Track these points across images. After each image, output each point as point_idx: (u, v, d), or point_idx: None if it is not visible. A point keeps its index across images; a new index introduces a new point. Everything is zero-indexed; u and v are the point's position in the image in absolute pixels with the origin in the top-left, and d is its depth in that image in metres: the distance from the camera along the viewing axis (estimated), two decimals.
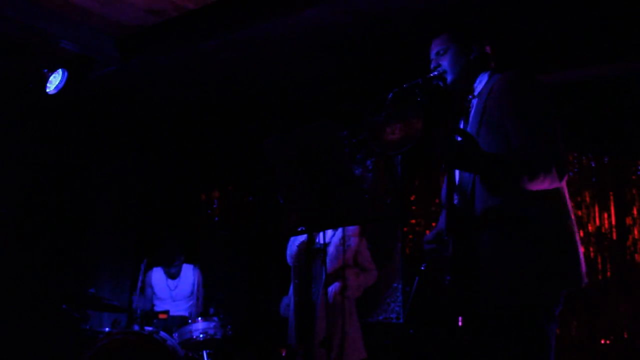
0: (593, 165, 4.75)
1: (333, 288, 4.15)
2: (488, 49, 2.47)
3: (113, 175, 6.84)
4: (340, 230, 4.21)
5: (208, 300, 5.76)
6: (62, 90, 5.06)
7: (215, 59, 5.05)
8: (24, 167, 5.96)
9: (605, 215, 4.65)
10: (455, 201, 2.35)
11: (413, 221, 5.43)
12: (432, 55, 2.49)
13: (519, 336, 2.12)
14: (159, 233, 6.61)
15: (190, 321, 5.03)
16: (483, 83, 2.39)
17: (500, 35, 4.07)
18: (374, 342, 4.57)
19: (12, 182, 5.85)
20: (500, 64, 2.49)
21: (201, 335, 4.92)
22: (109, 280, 6.55)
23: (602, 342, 4.48)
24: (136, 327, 4.72)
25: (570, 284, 2.15)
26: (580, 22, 4.27)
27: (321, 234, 4.05)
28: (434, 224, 5.36)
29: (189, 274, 5.80)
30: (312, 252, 4.12)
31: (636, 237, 4.54)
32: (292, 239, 4.43)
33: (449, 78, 2.42)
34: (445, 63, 2.43)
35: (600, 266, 4.58)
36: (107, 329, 4.78)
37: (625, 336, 4.44)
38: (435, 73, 2.44)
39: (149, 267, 5.85)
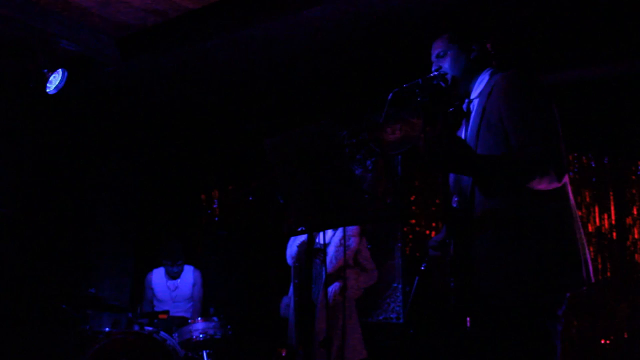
0: (593, 165, 4.75)
1: (333, 288, 4.15)
2: (489, 47, 2.47)
3: (113, 175, 6.84)
4: (340, 230, 4.21)
5: (208, 300, 5.77)
6: (62, 90, 5.06)
7: (215, 59, 5.05)
8: (24, 167, 5.96)
9: (605, 215, 4.65)
10: (455, 203, 2.34)
11: (413, 221, 5.42)
12: (433, 57, 2.50)
13: (521, 337, 2.11)
14: (159, 233, 6.62)
15: (190, 321, 5.04)
16: (484, 83, 2.38)
17: (500, 35, 4.08)
18: (374, 342, 4.57)
19: (12, 182, 5.85)
20: (501, 63, 2.49)
21: (201, 335, 4.92)
22: (109, 280, 6.55)
23: (602, 342, 4.48)
24: (136, 327, 4.73)
25: (571, 285, 2.14)
26: (580, 22, 4.27)
27: (321, 234, 4.05)
28: (434, 224, 5.36)
29: (189, 275, 5.80)
30: (312, 252, 4.13)
31: (636, 237, 4.54)
32: (292, 239, 4.43)
33: (449, 78, 2.42)
34: (445, 65, 2.44)
35: (600, 266, 4.58)
36: (107, 329, 4.78)
37: (625, 336, 4.44)
38: (436, 73, 2.44)
39: (149, 269, 5.86)
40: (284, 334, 4.39)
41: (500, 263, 2.15)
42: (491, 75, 2.39)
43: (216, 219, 6.85)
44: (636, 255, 4.52)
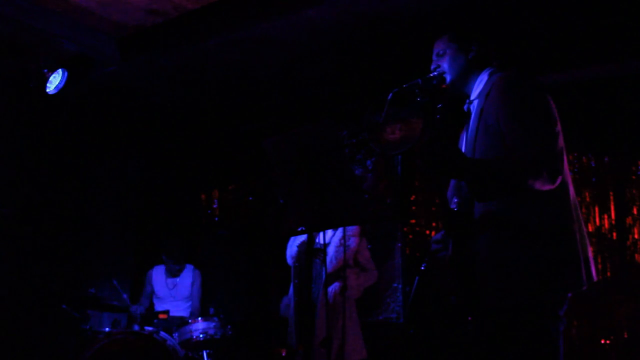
0: (593, 165, 4.75)
1: (333, 288, 4.15)
2: (489, 47, 2.47)
3: (113, 175, 6.84)
4: (340, 230, 4.21)
5: (208, 300, 5.77)
6: (62, 90, 5.07)
7: (215, 59, 5.05)
8: (24, 167, 5.96)
9: (605, 215, 4.65)
10: (454, 205, 2.34)
11: (413, 221, 5.42)
12: (434, 57, 2.50)
13: (522, 338, 2.11)
14: (159, 233, 6.62)
15: (190, 321, 5.04)
16: (483, 83, 2.38)
17: (500, 35, 4.09)
18: (374, 342, 4.57)
19: (12, 182, 5.85)
20: (501, 64, 2.48)
21: (201, 335, 4.92)
22: (109, 280, 6.54)
23: (602, 342, 4.48)
24: (136, 327, 4.73)
25: (570, 285, 2.14)
26: (580, 22, 4.27)
27: (321, 234, 4.05)
28: (434, 224, 5.36)
29: (189, 274, 5.80)
30: (312, 252, 4.13)
31: (636, 237, 4.54)
32: (292, 239, 4.43)
33: (448, 78, 2.42)
34: (444, 64, 2.44)
35: (600, 266, 4.58)
36: (107, 329, 4.79)
37: (625, 336, 4.44)
38: (435, 73, 2.44)
39: (150, 266, 5.86)
40: (284, 334, 4.39)
41: (500, 264, 2.14)
42: (490, 76, 2.38)
43: (216, 219, 6.85)
44: (636, 255, 4.52)
